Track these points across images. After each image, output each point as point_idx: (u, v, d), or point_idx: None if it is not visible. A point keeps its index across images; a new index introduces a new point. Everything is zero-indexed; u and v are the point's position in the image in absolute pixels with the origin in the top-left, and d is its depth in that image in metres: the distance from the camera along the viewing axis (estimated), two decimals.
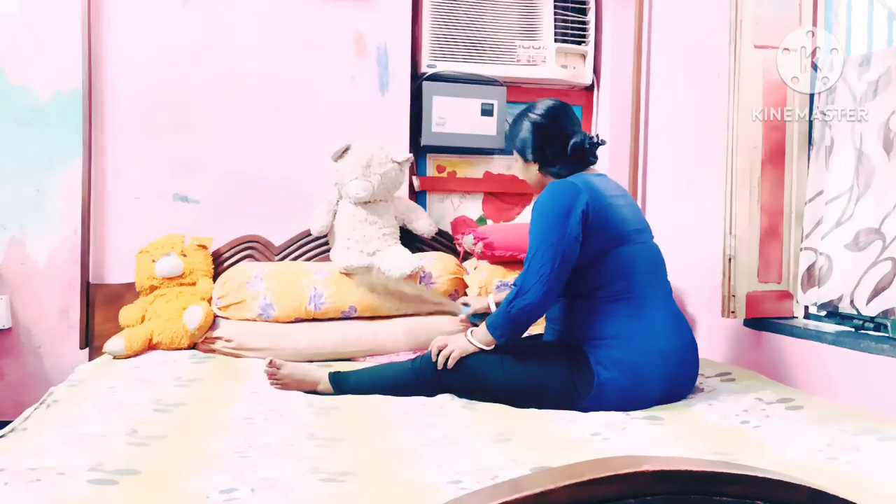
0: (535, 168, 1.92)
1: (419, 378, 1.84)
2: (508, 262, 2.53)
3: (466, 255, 2.66)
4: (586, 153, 1.88)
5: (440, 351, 1.82)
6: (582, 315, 1.79)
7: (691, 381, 1.83)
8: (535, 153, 1.90)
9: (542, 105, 1.92)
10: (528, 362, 1.77)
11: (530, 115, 1.92)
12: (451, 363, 1.79)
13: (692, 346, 1.83)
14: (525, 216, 2.93)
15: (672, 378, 1.76)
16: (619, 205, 1.81)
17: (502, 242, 2.50)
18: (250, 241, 2.61)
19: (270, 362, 1.91)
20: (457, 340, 1.83)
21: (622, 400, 1.69)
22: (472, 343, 1.81)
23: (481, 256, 2.55)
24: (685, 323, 1.85)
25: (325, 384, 1.89)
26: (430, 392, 1.83)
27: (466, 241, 2.59)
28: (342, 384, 1.89)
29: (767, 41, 2.10)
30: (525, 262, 1.77)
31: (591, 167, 1.91)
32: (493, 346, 1.80)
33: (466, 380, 1.80)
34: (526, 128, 1.91)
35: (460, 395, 1.80)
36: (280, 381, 1.89)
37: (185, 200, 2.59)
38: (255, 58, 2.63)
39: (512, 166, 2.94)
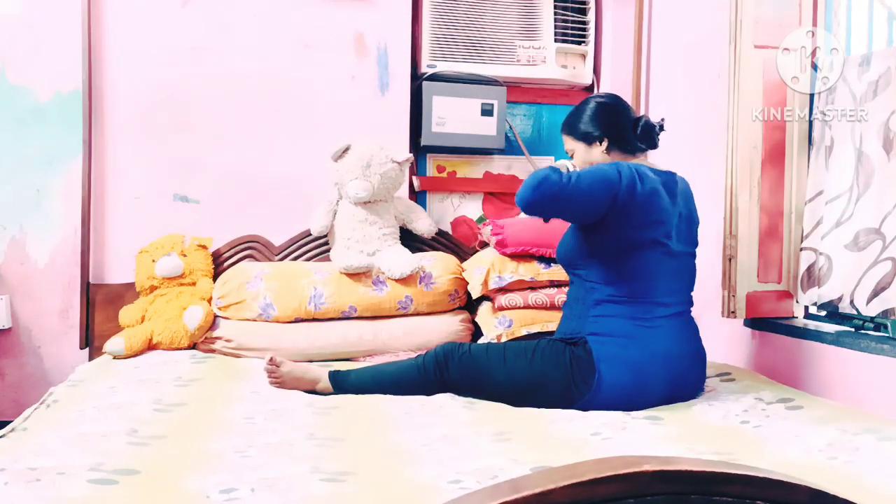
0: (599, 149, 1.91)
1: (422, 375, 1.83)
2: (521, 257, 2.50)
3: (484, 245, 2.66)
4: (654, 134, 1.90)
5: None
6: (594, 307, 1.78)
7: (696, 387, 1.82)
8: (603, 130, 1.90)
9: (603, 93, 1.99)
10: (531, 358, 1.77)
11: (594, 99, 1.96)
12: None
13: (700, 356, 1.83)
14: (526, 216, 2.92)
15: (675, 382, 1.76)
16: (670, 208, 1.80)
17: (514, 238, 2.49)
18: (250, 241, 2.61)
19: (270, 359, 1.91)
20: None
21: (623, 398, 1.69)
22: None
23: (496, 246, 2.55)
24: (697, 335, 1.85)
25: (325, 383, 1.89)
26: (431, 390, 1.82)
27: (486, 232, 2.60)
28: (342, 383, 1.88)
29: (767, 41, 2.10)
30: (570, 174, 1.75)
31: (651, 163, 1.94)
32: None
33: (468, 375, 1.79)
34: (592, 108, 1.93)
35: (461, 394, 1.80)
36: (279, 380, 1.89)
37: (185, 200, 2.59)
38: (255, 58, 2.63)
39: (512, 166, 2.95)
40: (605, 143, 1.90)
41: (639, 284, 1.76)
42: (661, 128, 1.92)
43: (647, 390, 1.72)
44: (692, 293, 1.90)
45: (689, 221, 1.89)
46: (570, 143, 1.98)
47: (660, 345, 1.74)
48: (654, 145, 1.93)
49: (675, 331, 1.79)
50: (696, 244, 1.91)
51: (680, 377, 1.77)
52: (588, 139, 1.92)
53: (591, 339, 1.75)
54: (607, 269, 1.78)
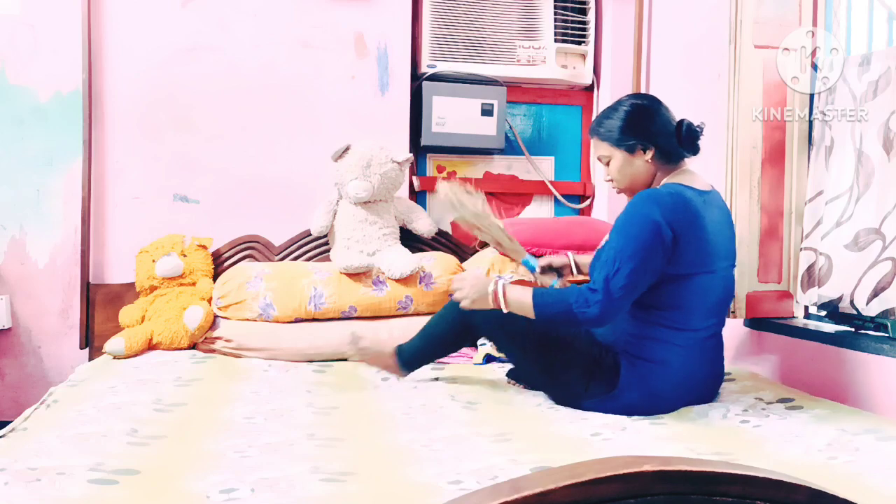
0: (643, 158, 1.72)
1: (448, 323, 1.89)
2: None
3: (484, 245, 2.66)
4: (698, 139, 1.75)
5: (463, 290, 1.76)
6: (632, 327, 1.70)
7: (709, 400, 1.77)
8: (648, 137, 1.71)
9: (636, 94, 1.81)
10: (559, 337, 1.74)
11: (631, 101, 1.77)
12: (463, 306, 1.76)
13: (719, 374, 1.80)
14: (525, 216, 2.92)
15: (689, 401, 1.73)
16: (716, 232, 1.69)
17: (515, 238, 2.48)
18: (250, 241, 2.61)
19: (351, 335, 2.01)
20: (478, 287, 1.73)
21: (630, 413, 1.66)
22: (498, 297, 1.69)
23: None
24: (721, 354, 1.81)
25: (390, 357, 1.97)
26: (462, 336, 1.89)
27: None
28: (402, 352, 1.96)
29: (767, 41, 2.10)
30: (602, 268, 1.62)
31: (693, 174, 1.77)
32: (518, 311, 1.68)
33: (492, 315, 1.77)
34: (631, 111, 1.73)
35: (483, 335, 1.89)
36: (364, 354, 1.98)
37: (185, 200, 2.59)
38: (255, 58, 2.63)
39: (512, 166, 2.94)
40: (650, 153, 1.72)
41: (679, 313, 1.67)
42: (702, 131, 1.77)
43: (658, 410, 1.68)
44: (727, 310, 1.83)
45: (730, 238, 1.79)
46: (604, 149, 1.78)
47: (685, 373, 1.68)
48: (697, 151, 1.76)
49: (707, 353, 1.73)
50: (734, 257, 1.81)
51: (696, 396, 1.74)
52: (631, 147, 1.73)
53: (622, 357, 1.69)
54: (658, 294, 1.66)
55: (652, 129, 1.73)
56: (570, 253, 2.13)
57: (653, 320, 1.68)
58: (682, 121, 1.75)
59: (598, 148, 1.80)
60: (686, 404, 1.71)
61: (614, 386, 1.68)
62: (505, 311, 1.69)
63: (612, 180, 1.81)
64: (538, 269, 2.03)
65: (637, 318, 1.70)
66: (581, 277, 2.02)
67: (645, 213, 1.62)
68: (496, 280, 1.72)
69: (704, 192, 1.73)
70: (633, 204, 1.66)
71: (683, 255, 1.63)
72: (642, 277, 1.61)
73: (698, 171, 1.79)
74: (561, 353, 1.74)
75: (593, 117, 2.96)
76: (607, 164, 1.79)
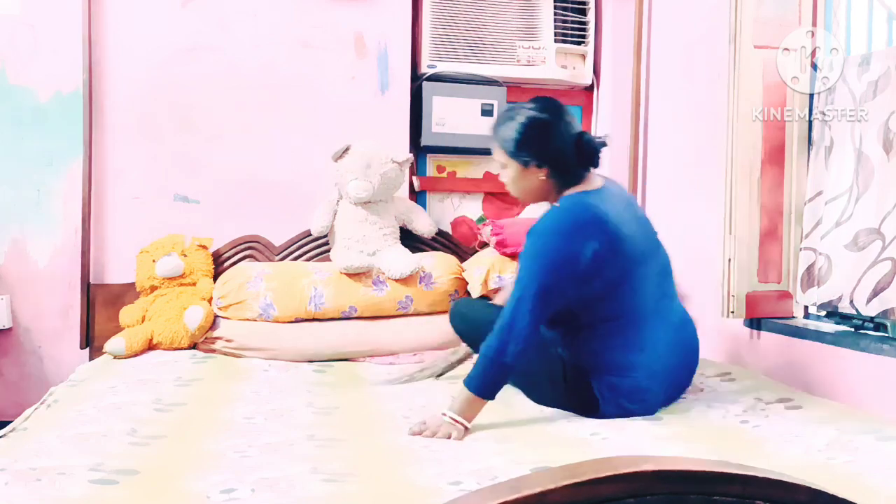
0: (538, 174, 1.66)
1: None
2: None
3: (484, 245, 2.66)
4: (598, 154, 1.68)
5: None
6: (586, 344, 1.67)
7: (689, 381, 1.82)
8: (542, 156, 1.65)
9: (540, 101, 1.67)
10: (532, 371, 1.70)
11: (529, 110, 1.66)
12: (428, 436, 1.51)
13: (694, 350, 1.81)
14: (525, 216, 2.92)
15: (673, 388, 1.75)
16: (632, 230, 1.65)
17: (515, 238, 2.48)
18: (250, 241, 2.61)
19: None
20: (434, 420, 1.53)
21: (622, 415, 1.65)
22: (454, 419, 1.52)
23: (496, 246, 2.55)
24: (689, 325, 1.82)
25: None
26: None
27: (485, 232, 2.60)
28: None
29: (767, 41, 2.10)
30: (513, 299, 1.57)
31: (590, 174, 1.72)
32: (478, 410, 1.55)
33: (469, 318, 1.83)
34: (528, 125, 1.64)
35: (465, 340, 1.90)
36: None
37: (185, 200, 2.59)
38: (255, 58, 2.63)
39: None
40: (545, 171, 1.66)
41: (629, 313, 1.65)
42: (605, 144, 1.70)
43: (647, 406, 1.67)
44: (673, 280, 1.80)
45: (638, 221, 1.73)
46: (499, 156, 1.70)
47: (660, 365, 1.67)
48: (597, 165, 1.70)
49: (672, 336, 1.73)
50: (654, 234, 1.76)
51: (677, 382, 1.77)
52: (525, 163, 1.66)
53: (592, 374, 1.65)
54: (598, 308, 1.64)
55: (548, 147, 1.65)
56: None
57: (603, 333, 1.66)
58: (580, 134, 1.67)
59: (494, 153, 1.72)
60: (674, 387, 1.75)
61: (596, 406, 1.65)
62: (468, 425, 1.53)
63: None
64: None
65: (589, 336, 1.67)
66: None
67: (551, 238, 1.58)
68: (443, 413, 1.55)
69: (599, 191, 1.68)
70: (536, 237, 1.60)
71: (605, 270, 1.59)
72: (551, 303, 1.57)
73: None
74: (539, 386, 1.74)
75: (593, 117, 2.98)
76: (502, 168, 1.72)
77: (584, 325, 1.68)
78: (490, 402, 1.58)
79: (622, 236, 1.62)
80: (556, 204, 1.69)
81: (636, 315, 1.66)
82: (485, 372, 1.56)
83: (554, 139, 1.65)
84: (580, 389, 1.67)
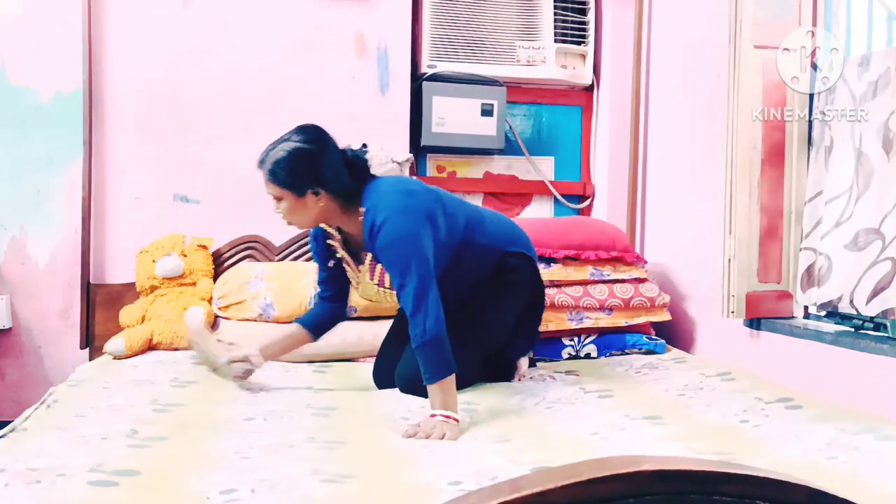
0: (314, 199, 1.71)
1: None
2: None
3: None
4: (366, 163, 1.78)
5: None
6: (470, 263, 1.89)
7: None
8: (315, 181, 1.69)
9: (301, 131, 1.72)
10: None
11: (292, 143, 1.70)
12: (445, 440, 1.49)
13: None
14: (525, 216, 2.93)
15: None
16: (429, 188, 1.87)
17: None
18: (250, 241, 2.61)
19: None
20: (425, 423, 1.53)
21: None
22: (442, 416, 1.53)
23: None
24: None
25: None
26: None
27: None
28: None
29: (767, 41, 2.10)
30: (402, 291, 1.64)
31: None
32: (454, 392, 1.58)
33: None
34: (294, 155, 1.68)
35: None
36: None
37: (185, 200, 2.59)
38: (255, 58, 2.63)
39: (512, 166, 2.95)
40: (322, 197, 1.71)
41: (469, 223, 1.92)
42: (366, 151, 1.78)
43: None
44: None
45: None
46: (273, 190, 1.71)
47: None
48: (373, 175, 1.79)
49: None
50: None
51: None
52: (300, 192, 1.70)
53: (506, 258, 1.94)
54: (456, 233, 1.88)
55: (320, 173, 1.70)
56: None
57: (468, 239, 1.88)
58: (344, 151, 1.75)
59: (266, 186, 1.73)
60: None
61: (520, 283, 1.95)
62: (458, 417, 1.55)
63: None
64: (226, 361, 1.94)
65: (470, 257, 1.88)
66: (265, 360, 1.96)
67: (401, 226, 1.68)
68: (431, 414, 1.56)
69: (380, 178, 1.81)
70: (390, 238, 1.66)
71: (445, 212, 1.80)
72: (430, 269, 1.66)
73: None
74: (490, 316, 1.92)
75: (593, 117, 2.98)
76: (276, 201, 1.74)
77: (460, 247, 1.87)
78: (489, 401, 1.60)
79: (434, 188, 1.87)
80: (362, 210, 1.74)
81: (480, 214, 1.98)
82: (428, 358, 1.60)
83: (322, 164, 1.71)
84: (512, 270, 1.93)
